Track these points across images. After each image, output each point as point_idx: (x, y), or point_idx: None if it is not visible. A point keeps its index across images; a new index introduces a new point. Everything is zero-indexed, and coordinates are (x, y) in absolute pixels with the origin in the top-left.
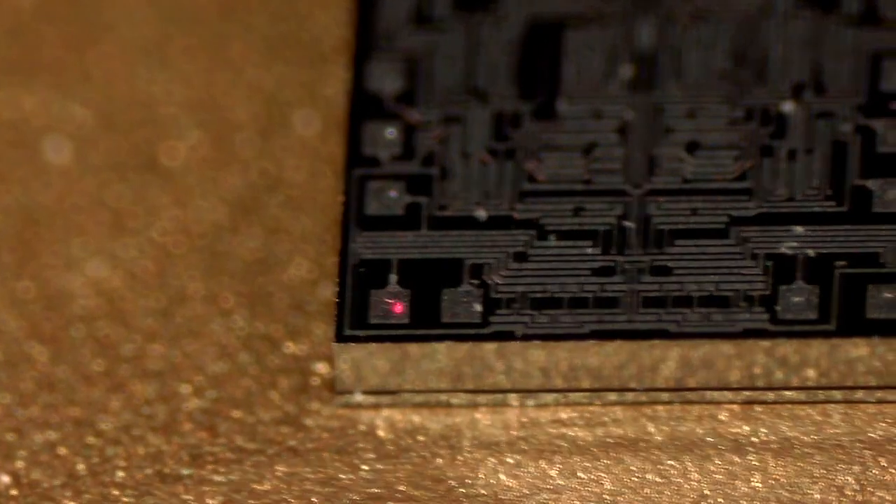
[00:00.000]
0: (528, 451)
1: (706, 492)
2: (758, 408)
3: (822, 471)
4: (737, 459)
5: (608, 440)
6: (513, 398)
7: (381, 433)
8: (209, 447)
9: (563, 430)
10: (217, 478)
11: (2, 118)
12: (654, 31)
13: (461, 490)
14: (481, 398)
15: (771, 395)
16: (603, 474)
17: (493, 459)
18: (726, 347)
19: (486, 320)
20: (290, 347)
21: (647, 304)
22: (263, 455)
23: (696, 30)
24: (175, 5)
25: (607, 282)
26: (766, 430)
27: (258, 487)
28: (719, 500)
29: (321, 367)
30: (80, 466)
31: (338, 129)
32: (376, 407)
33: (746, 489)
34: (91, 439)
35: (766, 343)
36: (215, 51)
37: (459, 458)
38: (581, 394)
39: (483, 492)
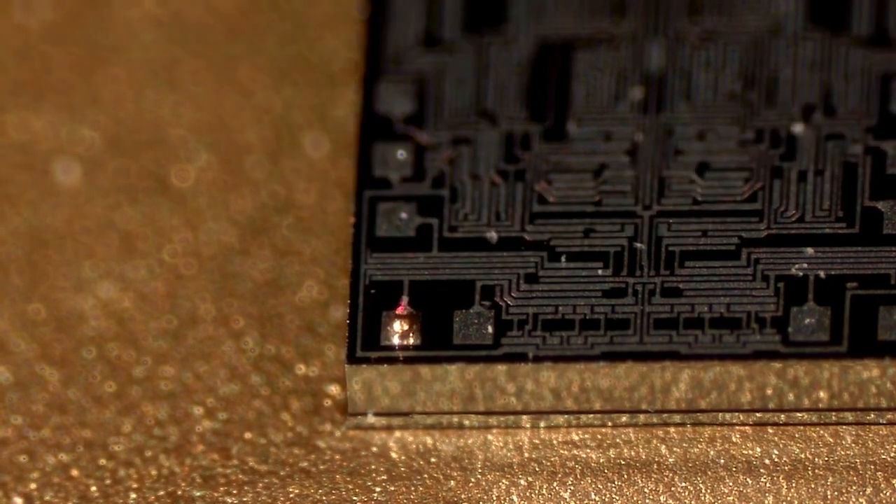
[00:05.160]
0: (541, 472)
1: None
2: (770, 429)
3: (834, 493)
4: (749, 481)
5: (620, 462)
6: (525, 420)
7: (393, 455)
8: (221, 469)
9: (576, 452)
10: (229, 500)
11: (11, 140)
12: (664, 52)
13: None
14: (493, 420)
15: (783, 417)
16: (615, 496)
17: (505, 481)
18: (737, 369)
19: (497, 342)
20: (302, 369)
21: (658, 325)
22: (276, 477)
23: (705, 51)
24: (183, 27)
25: (618, 303)
26: (778, 452)
27: None
28: None
29: (333, 389)
30: (93, 488)
31: (348, 150)
32: (388, 429)
33: None
34: (103, 461)
35: (777, 365)
36: (224, 73)
37: (472, 479)
38: (593, 415)
39: None
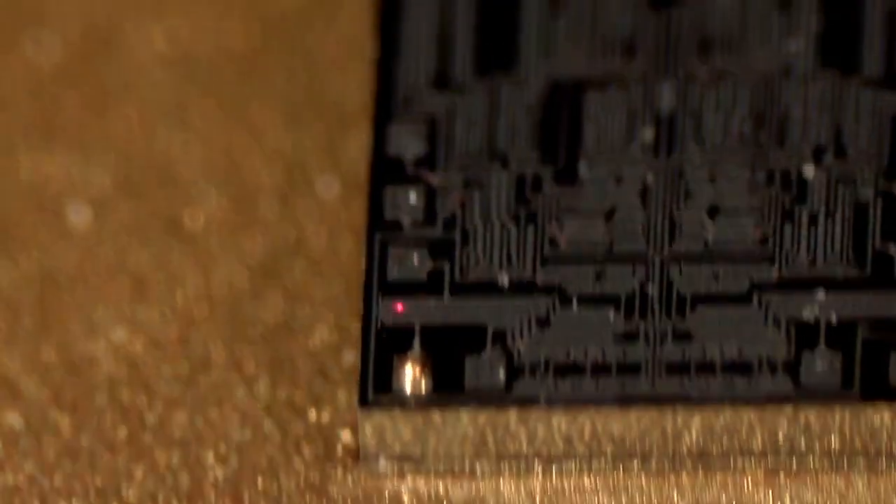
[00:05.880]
0: None
1: None
2: (782, 475)
3: None
4: None
5: None
6: (536, 465)
7: (405, 500)
8: None
9: (587, 498)
10: None
11: (22, 182)
12: (674, 93)
13: None
14: (505, 465)
15: (794, 462)
16: None
17: None
18: (749, 413)
19: (509, 387)
20: (314, 414)
21: (669, 369)
22: None
23: (716, 92)
24: (195, 68)
25: (630, 347)
26: (790, 498)
27: None
28: None
29: (345, 434)
30: None
31: (359, 193)
32: (401, 474)
33: None
34: None
35: (789, 409)
36: (235, 114)
37: None
38: (604, 461)
39: None
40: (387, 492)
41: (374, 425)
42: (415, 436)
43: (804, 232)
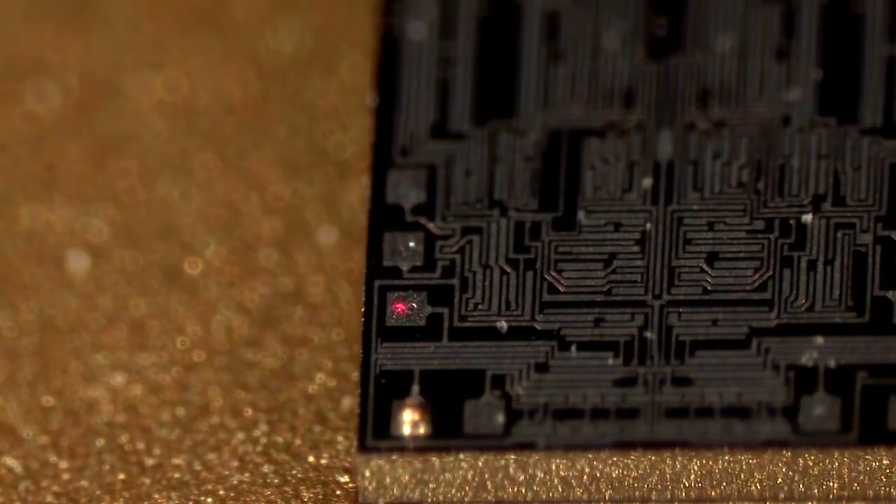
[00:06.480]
0: None
1: None
2: None
3: None
4: None
5: None
6: None
7: None
8: None
9: None
10: None
11: (23, 231)
12: (673, 142)
13: None
14: None
15: None
16: None
17: None
18: (748, 458)
19: (508, 431)
20: (313, 459)
21: (668, 414)
22: None
23: (715, 140)
24: (194, 119)
25: (628, 392)
26: None
27: None
28: None
29: (344, 479)
30: None
31: (358, 240)
32: None
33: None
34: None
35: (787, 454)
36: (235, 163)
37: None
38: None
39: None
40: None
41: (372, 469)
42: (413, 480)
43: (803, 278)
